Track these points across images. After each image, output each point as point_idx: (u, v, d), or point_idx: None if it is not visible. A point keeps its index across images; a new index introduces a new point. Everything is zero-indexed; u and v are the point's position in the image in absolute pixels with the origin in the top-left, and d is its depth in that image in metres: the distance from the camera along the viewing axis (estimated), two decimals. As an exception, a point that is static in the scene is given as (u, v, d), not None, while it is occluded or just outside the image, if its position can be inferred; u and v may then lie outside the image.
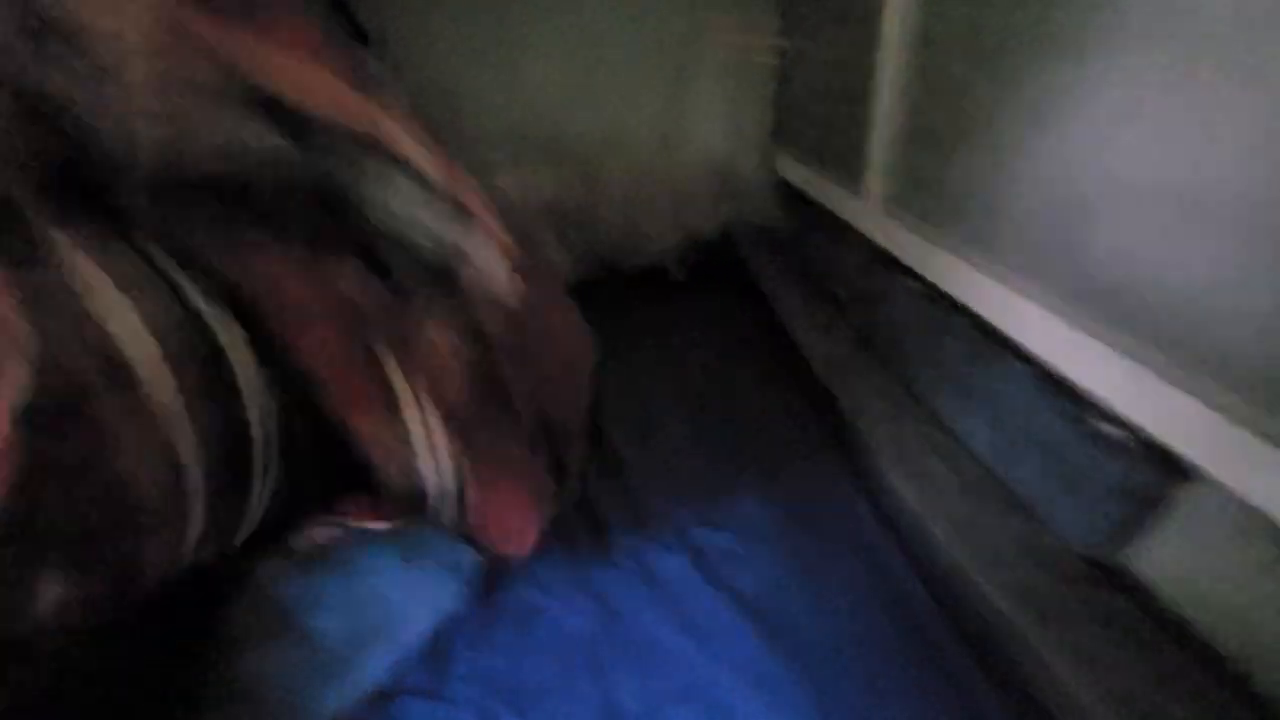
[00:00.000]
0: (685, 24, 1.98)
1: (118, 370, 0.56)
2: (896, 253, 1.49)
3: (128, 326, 0.59)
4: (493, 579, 0.93)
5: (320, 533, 0.79)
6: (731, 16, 2.00)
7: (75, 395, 0.53)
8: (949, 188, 1.34)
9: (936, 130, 1.36)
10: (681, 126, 2.08)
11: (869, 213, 1.59)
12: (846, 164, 1.69)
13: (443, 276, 0.79)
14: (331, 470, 0.80)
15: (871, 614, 0.96)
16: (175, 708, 0.68)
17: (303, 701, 0.74)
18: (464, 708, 0.79)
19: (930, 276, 1.38)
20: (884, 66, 1.46)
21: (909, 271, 1.46)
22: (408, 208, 0.75)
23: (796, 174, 2.02)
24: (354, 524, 0.82)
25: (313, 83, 0.70)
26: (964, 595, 0.97)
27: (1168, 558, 0.95)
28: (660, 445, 1.27)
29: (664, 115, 2.06)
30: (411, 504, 0.83)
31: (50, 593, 0.51)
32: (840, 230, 1.75)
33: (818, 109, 1.90)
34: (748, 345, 1.66)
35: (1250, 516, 0.77)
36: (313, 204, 0.70)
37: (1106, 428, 1.00)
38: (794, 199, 2.06)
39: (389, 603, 0.81)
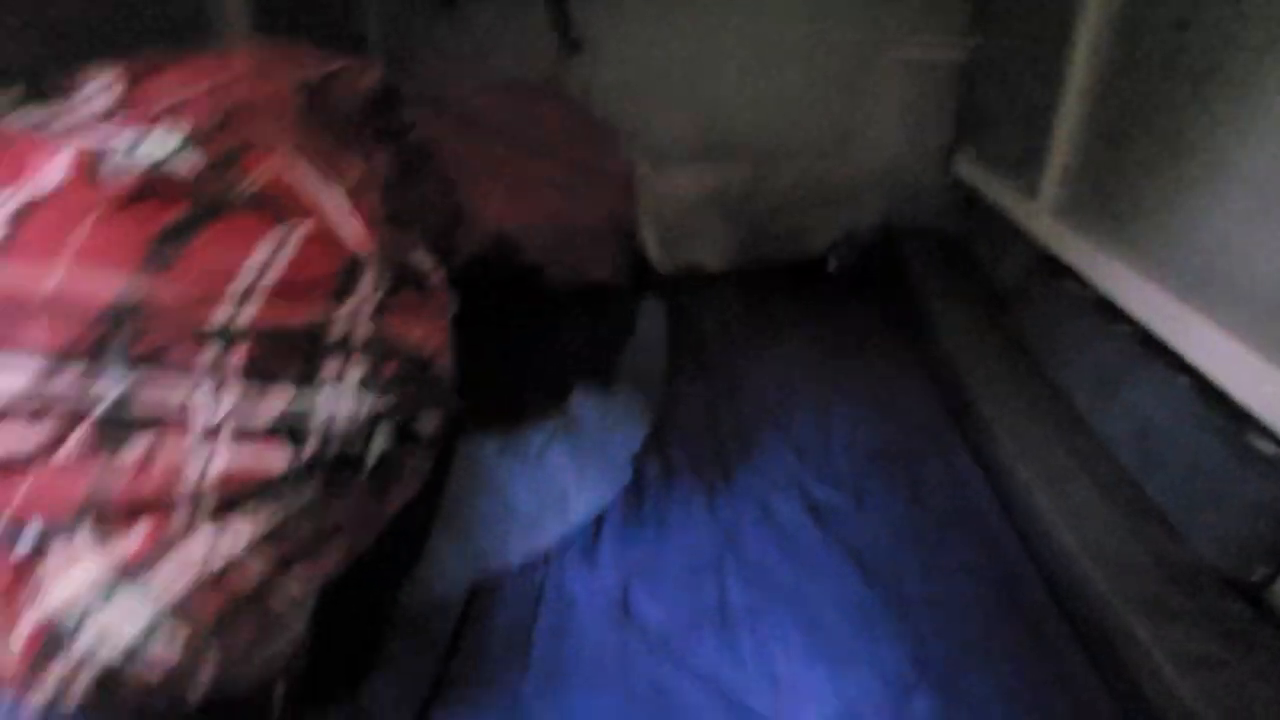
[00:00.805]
0: (868, 29, 2.03)
1: None
2: (1064, 256, 1.47)
3: None
4: (640, 487, 1.14)
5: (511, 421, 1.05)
6: (917, 19, 2.02)
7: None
8: (1127, 196, 1.31)
9: (1120, 138, 1.34)
10: (857, 128, 2.14)
11: (1041, 215, 1.58)
12: (1023, 166, 1.68)
13: None
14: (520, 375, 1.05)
15: (978, 584, 1.03)
16: (420, 535, 0.96)
17: (498, 547, 1.00)
18: (608, 578, 1.00)
19: (1095, 281, 1.36)
20: (1074, 70, 1.45)
21: (1073, 275, 1.44)
22: None
23: (973, 175, 2.00)
24: (537, 419, 1.07)
25: None
26: (1083, 590, 0.99)
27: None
28: (790, 407, 1.40)
29: (839, 117, 2.14)
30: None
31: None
32: (1010, 232, 1.73)
33: (1001, 111, 1.87)
34: (890, 335, 1.72)
35: None
36: None
37: (1262, 444, 0.97)
38: (967, 201, 2.05)
39: (563, 488, 1.04)
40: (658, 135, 2.19)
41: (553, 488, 1.05)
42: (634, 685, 0.86)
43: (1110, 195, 1.37)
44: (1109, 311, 1.31)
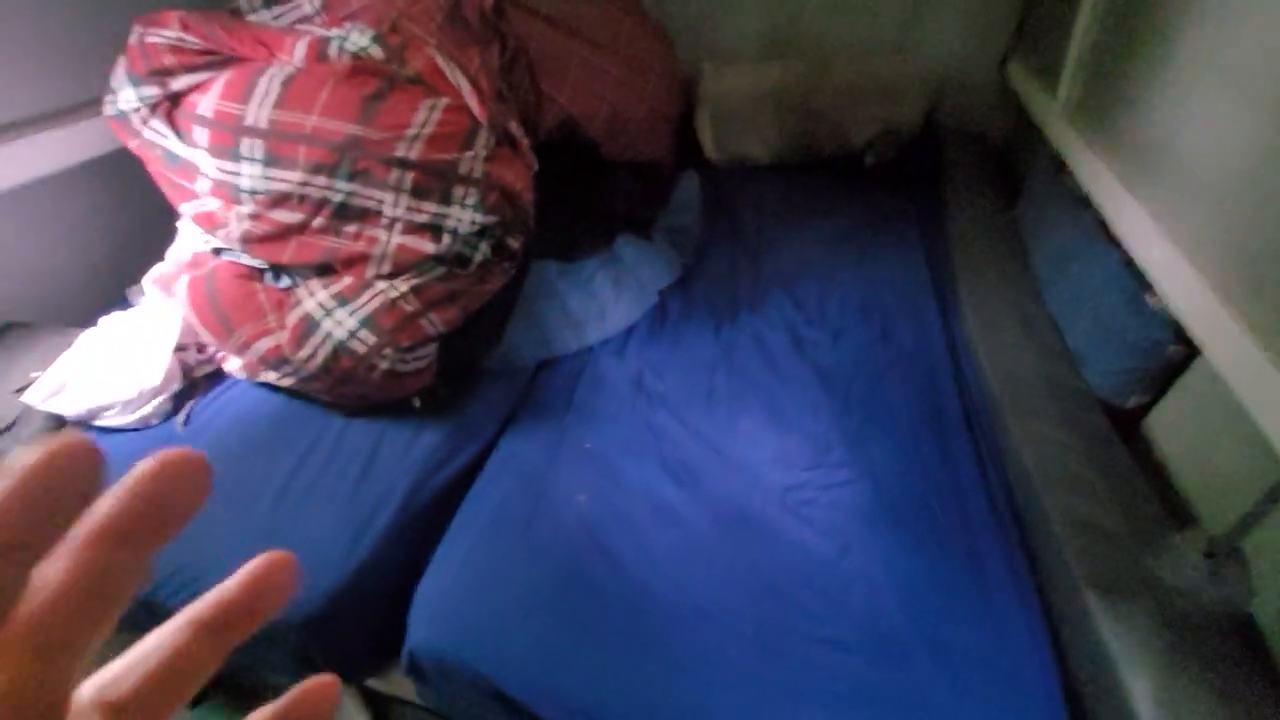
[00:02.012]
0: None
1: None
2: (1065, 153, 1.66)
3: None
4: (664, 313, 1.55)
5: (570, 254, 1.47)
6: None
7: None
8: (1109, 96, 1.49)
9: (1112, 44, 1.50)
10: (914, 31, 2.27)
11: (1056, 116, 1.74)
12: (1049, 69, 1.82)
13: None
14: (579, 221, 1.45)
15: (908, 394, 1.37)
16: (504, 316, 1.41)
17: (555, 338, 1.44)
18: (630, 366, 1.43)
19: (1078, 173, 1.56)
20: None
21: (1068, 170, 1.64)
22: None
23: (1018, 82, 2.12)
24: (589, 254, 1.48)
25: None
26: (982, 398, 1.32)
27: (1169, 416, 1.19)
28: (800, 271, 1.73)
29: (899, 20, 2.27)
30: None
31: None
32: (1037, 133, 1.90)
33: (1047, 17, 1.97)
34: (907, 221, 1.97)
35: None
36: None
37: (1153, 301, 1.22)
38: (1017, 108, 2.18)
39: (603, 304, 1.47)
40: (725, 36, 2.42)
41: (596, 303, 1.47)
42: (638, 424, 1.30)
43: (1100, 96, 1.55)
44: (1084, 201, 1.53)
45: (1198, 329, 1.07)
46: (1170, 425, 1.20)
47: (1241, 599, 0.80)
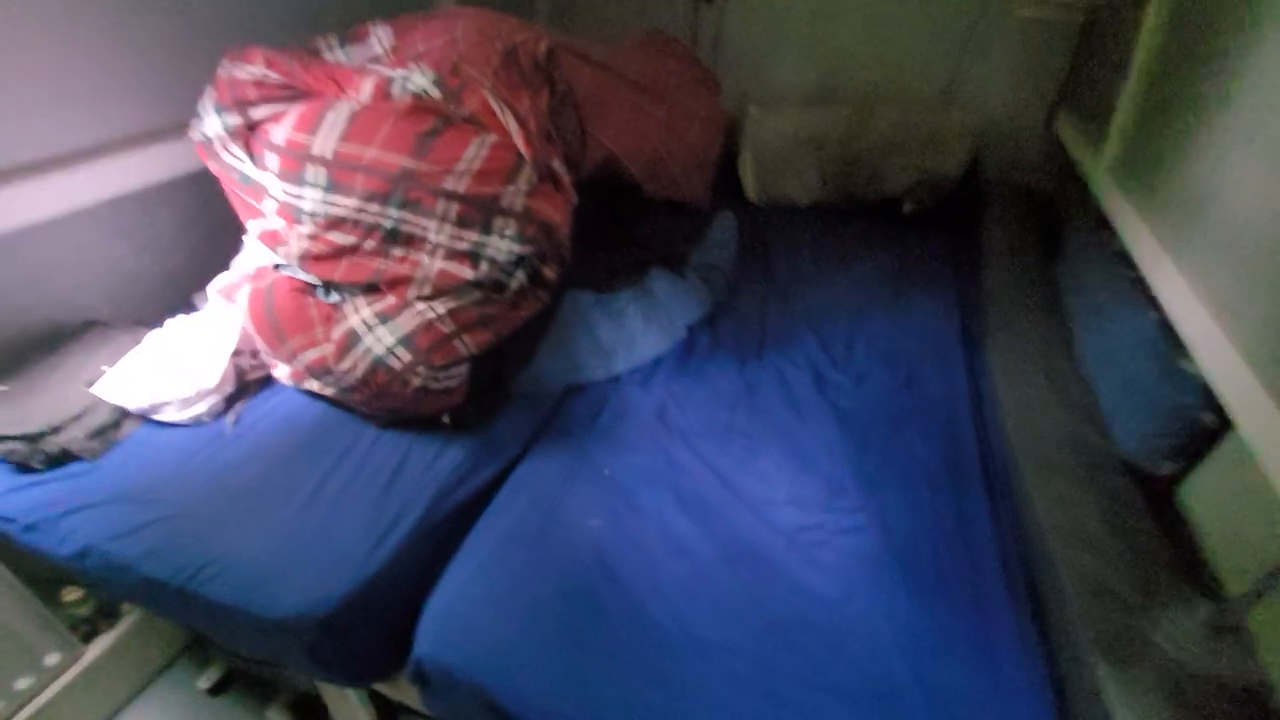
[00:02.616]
0: (988, -12, 2.16)
1: None
2: (1109, 210, 1.64)
3: None
4: (691, 347, 1.59)
5: (605, 285, 1.52)
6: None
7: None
8: (1153, 155, 1.48)
9: (1158, 103, 1.49)
10: (960, 81, 2.30)
11: (1101, 172, 1.74)
12: (1096, 125, 1.82)
13: None
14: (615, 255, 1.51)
15: (926, 443, 1.36)
16: (534, 342, 1.47)
17: (584, 364, 1.49)
18: (654, 397, 1.47)
19: (1120, 230, 1.55)
20: (1143, 33, 1.58)
21: (1111, 228, 1.62)
22: None
23: (1066, 135, 2.12)
24: (623, 286, 1.53)
25: None
26: (1001, 450, 1.31)
27: (1202, 486, 1.15)
28: (829, 313, 1.75)
29: (946, 69, 2.30)
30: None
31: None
32: (1081, 188, 1.88)
33: (1095, 72, 1.97)
34: (942, 269, 1.97)
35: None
36: None
37: (1187, 365, 1.20)
38: (1062, 159, 2.17)
39: (632, 334, 1.52)
40: (775, 81, 2.50)
41: (625, 333, 1.52)
42: (658, 454, 1.33)
43: (1144, 155, 1.54)
44: (1124, 259, 1.51)
45: (1229, 398, 1.04)
46: (1203, 496, 1.16)
47: (1245, 673, 0.77)
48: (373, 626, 1.07)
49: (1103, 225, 1.69)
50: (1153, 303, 1.34)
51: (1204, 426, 1.16)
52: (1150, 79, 1.59)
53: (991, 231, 2.01)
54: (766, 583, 1.10)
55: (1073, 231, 1.88)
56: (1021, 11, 2.17)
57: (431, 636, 1.01)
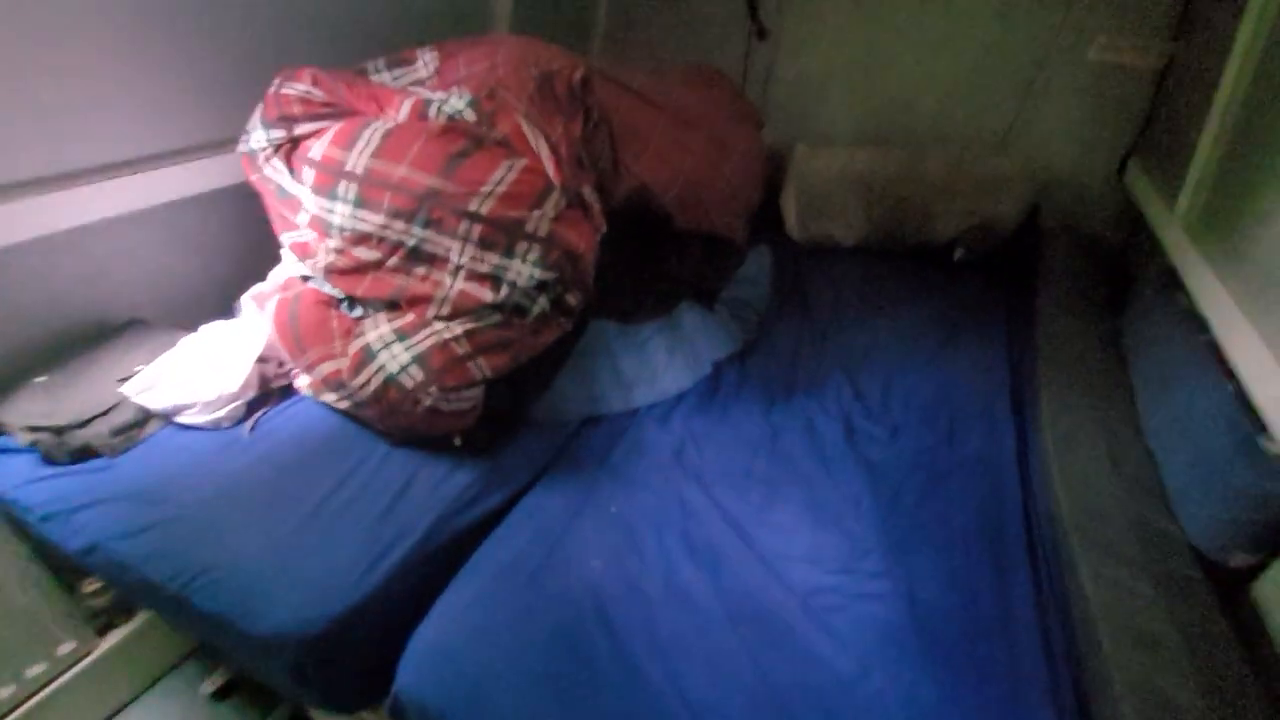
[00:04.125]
0: (1056, 31, 2.07)
1: None
2: (1182, 268, 1.52)
3: None
4: (717, 385, 1.52)
5: (630, 316, 1.48)
6: (1114, 22, 2.01)
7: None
8: (1233, 212, 1.36)
9: (1240, 161, 1.37)
10: (1021, 125, 2.20)
11: (1174, 228, 1.61)
12: (1170, 179, 1.69)
13: None
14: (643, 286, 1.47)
15: (965, 507, 1.25)
16: (554, 370, 1.44)
17: (604, 395, 1.45)
18: (673, 435, 1.41)
19: (1194, 292, 1.42)
20: (1224, 87, 1.47)
21: (1183, 288, 1.49)
22: None
23: (1136, 185, 1.99)
24: (649, 318, 1.49)
25: None
26: (1051, 526, 1.19)
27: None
28: (867, 360, 1.66)
29: (1006, 113, 2.21)
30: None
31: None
32: (1151, 241, 1.75)
33: (1171, 122, 1.85)
34: (992, 320, 1.85)
35: None
36: None
37: (1268, 444, 1.07)
38: (1132, 211, 2.04)
39: (655, 368, 1.47)
40: (826, 120, 2.45)
41: (648, 366, 1.47)
42: (669, 495, 1.27)
43: (1222, 210, 1.42)
44: (1198, 321, 1.38)
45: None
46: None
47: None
48: (360, 651, 1.03)
49: (1174, 284, 1.56)
50: (1229, 372, 1.21)
51: (1287, 515, 1.02)
52: (1232, 128, 1.47)
53: (1049, 283, 1.88)
54: (773, 647, 1.01)
55: (1140, 288, 1.74)
56: (1094, 55, 2.07)
57: (413, 670, 0.97)
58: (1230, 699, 0.83)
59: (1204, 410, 1.20)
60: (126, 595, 1.39)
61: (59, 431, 1.21)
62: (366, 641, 1.03)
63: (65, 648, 1.38)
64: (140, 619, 1.48)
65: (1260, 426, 1.09)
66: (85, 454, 1.23)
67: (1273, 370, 1.07)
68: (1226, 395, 1.18)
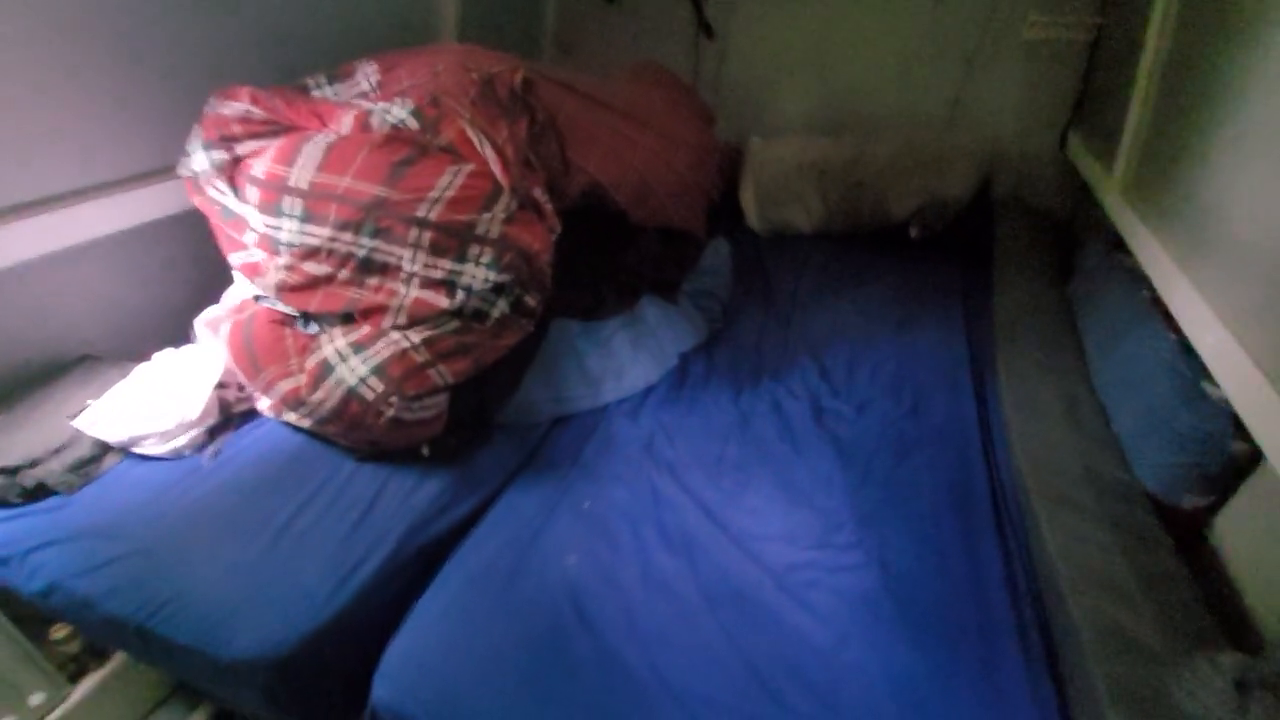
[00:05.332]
0: (992, 8, 2.13)
1: None
2: (1122, 230, 1.57)
3: None
4: (684, 376, 1.53)
5: (592, 313, 1.49)
6: (1046, 2, 2.07)
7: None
8: (1166, 173, 1.41)
9: (1168, 121, 1.43)
10: (966, 104, 2.26)
11: (1113, 192, 1.66)
12: (1106, 145, 1.75)
13: None
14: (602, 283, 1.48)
15: (933, 477, 1.27)
16: (519, 373, 1.44)
17: (571, 395, 1.45)
18: (643, 428, 1.41)
19: (1135, 251, 1.47)
20: (1146, 51, 1.53)
21: (1126, 249, 1.54)
22: None
23: (1077, 156, 2.05)
24: (611, 314, 1.50)
25: None
26: (1013, 485, 1.21)
27: (1234, 520, 1.05)
28: (830, 341, 1.68)
29: (950, 93, 2.26)
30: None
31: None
32: (1096, 210, 1.81)
33: (1104, 91, 1.91)
34: (950, 294, 1.89)
35: None
36: None
37: (1210, 388, 1.10)
38: (1074, 178, 2.10)
39: (621, 364, 1.47)
40: (779, 113, 2.49)
41: (614, 362, 1.48)
42: (642, 488, 1.27)
43: (1155, 171, 1.47)
44: (1140, 278, 1.42)
45: (1254, 423, 0.95)
46: (1236, 532, 1.05)
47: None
48: (333, 670, 1.02)
49: (1118, 246, 1.61)
50: (1173, 325, 1.25)
51: (1234, 456, 1.06)
52: (1158, 94, 1.53)
53: (1002, 255, 1.93)
54: (753, 627, 1.02)
55: (1087, 252, 1.79)
56: (1027, 34, 2.13)
57: (390, 682, 0.95)
58: (1184, 634, 0.86)
59: (1149, 361, 1.24)
60: (93, 636, 1.35)
61: (9, 473, 1.17)
62: (341, 658, 1.01)
63: (36, 698, 1.33)
64: (114, 662, 1.43)
65: (1206, 373, 1.13)
66: (40, 493, 1.19)
67: (1211, 320, 1.11)
68: (1170, 345, 1.22)
